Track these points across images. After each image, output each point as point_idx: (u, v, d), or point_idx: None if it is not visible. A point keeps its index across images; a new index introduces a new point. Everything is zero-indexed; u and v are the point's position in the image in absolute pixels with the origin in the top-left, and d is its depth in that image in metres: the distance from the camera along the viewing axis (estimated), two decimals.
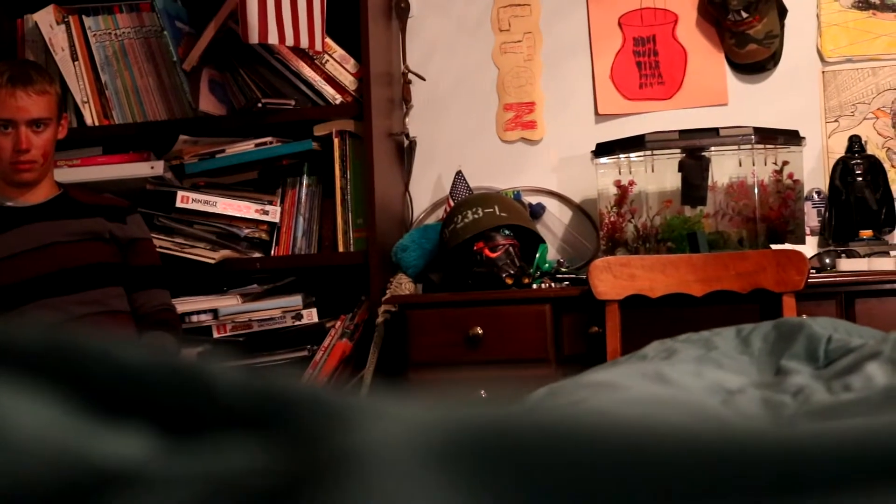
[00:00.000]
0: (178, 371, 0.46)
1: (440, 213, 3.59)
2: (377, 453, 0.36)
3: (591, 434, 0.37)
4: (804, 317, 2.65)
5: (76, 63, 3.54)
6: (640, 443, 0.38)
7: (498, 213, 3.14)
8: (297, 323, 3.35)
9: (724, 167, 3.16)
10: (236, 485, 0.37)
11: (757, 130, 3.10)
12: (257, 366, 3.23)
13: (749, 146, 3.11)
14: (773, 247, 2.98)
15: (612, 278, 2.86)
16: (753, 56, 3.49)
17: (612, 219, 3.24)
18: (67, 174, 3.35)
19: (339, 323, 3.35)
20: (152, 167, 3.42)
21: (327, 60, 3.41)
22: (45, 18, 3.54)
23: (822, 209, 3.31)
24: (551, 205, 3.63)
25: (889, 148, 3.44)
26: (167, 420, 0.44)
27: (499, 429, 0.38)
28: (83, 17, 3.55)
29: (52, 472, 0.39)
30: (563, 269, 3.32)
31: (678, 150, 3.15)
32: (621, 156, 3.22)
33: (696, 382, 1.53)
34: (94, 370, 0.45)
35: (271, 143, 3.40)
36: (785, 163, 3.17)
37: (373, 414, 0.40)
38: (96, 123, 3.54)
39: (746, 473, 0.38)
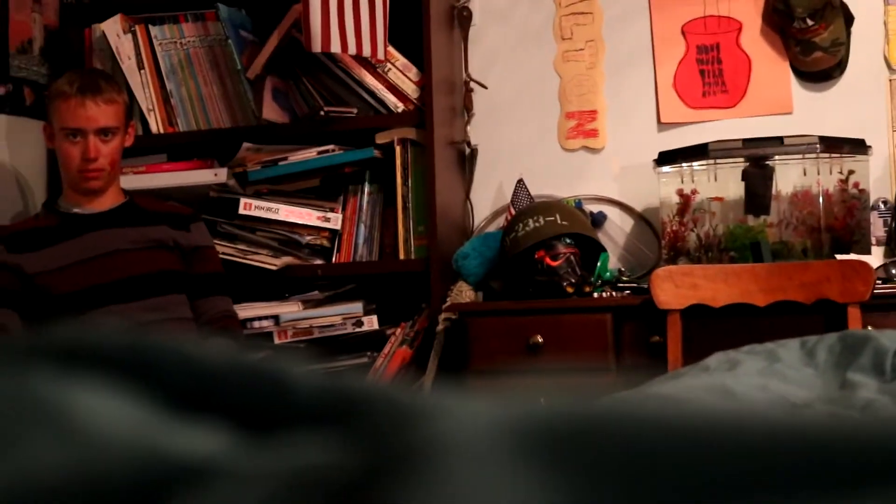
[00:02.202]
0: (253, 369, 0.46)
1: (501, 222, 3.59)
2: (454, 446, 0.36)
3: (665, 425, 0.37)
4: (870, 329, 2.63)
5: (142, 72, 3.59)
6: (716, 434, 0.38)
7: (559, 221, 3.13)
8: (358, 330, 3.36)
9: (789, 176, 3.12)
10: (315, 479, 0.37)
11: (822, 139, 3.07)
12: (322, 370, 3.25)
13: (814, 155, 3.08)
14: (838, 257, 2.94)
15: (674, 287, 2.84)
16: (819, 64, 3.45)
17: (674, 228, 3.22)
18: (133, 181, 3.39)
19: (399, 330, 3.36)
20: (216, 174, 3.45)
21: (389, 69, 3.42)
22: (112, 28, 3.59)
23: (889, 219, 3.26)
24: (613, 213, 3.62)
25: None
26: (242, 417, 0.44)
27: (573, 421, 0.38)
28: (149, 26, 3.60)
29: (132, 467, 0.40)
30: (625, 278, 3.30)
31: (742, 159, 3.12)
32: (684, 164, 3.20)
33: (762, 396, 1.51)
34: (170, 369, 0.46)
35: (333, 150, 3.42)
36: (850, 172, 3.13)
37: (446, 410, 0.40)
38: (161, 131, 3.58)
39: (823, 461, 0.37)
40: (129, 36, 3.60)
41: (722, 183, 3.16)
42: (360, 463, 0.37)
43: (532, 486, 0.34)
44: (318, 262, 3.45)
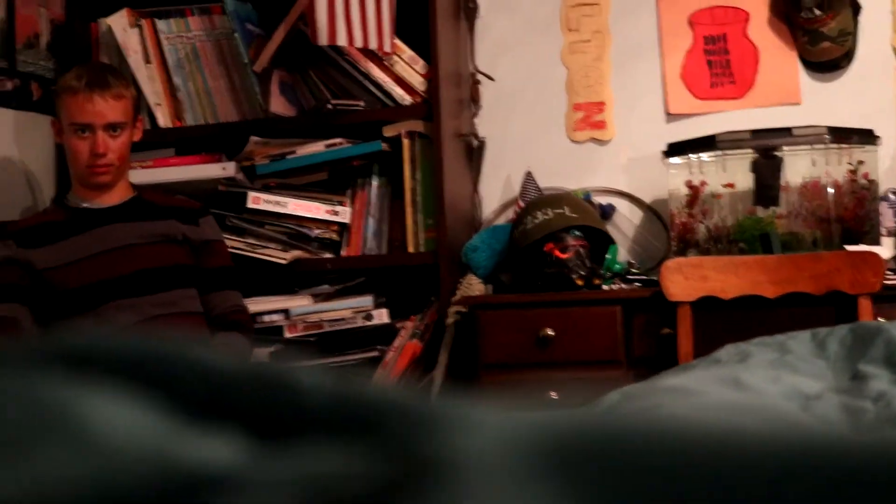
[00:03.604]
0: (266, 377, 0.46)
1: (510, 214, 3.58)
2: (474, 460, 0.35)
3: (681, 442, 0.37)
4: (881, 320, 2.62)
5: (149, 66, 3.58)
6: (731, 452, 0.37)
7: (568, 213, 3.12)
8: (368, 323, 3.36)
9: (798, 167, 3.12)
10: (333, 489, 0.37)
11: (831, 130, 3.06)
12: (331, 367, 3.25)
13: (823, 146, 3.07)
14: (848, 248, 2.93)
15: (684, 279, 2.84)
16: (827, 54, 3.44)
17: (683, 219, 3.22)
18: (141, 175, 3.39)
19: (409, 323, 3.36)
20: (224, 168, 3.45)
21: (396, 61, 3.42)
22: (118, 22, 3.59)
23: None
24: (621, 205, 3.61)
25: None
26: (256, 425, 0.44)
27: (590, 436, 0.37)
28: (155, 20, 3.60)
29: (149, 476, 0.40)
30: (634, 271, 3.30)
31: (750, 150, 3.11)
32: (692, 156, 3.20)
33: (774, 388, 1.51)
34: (185, 376, 0.46)
35: (341, 144, 3.42)
36: (860, 162, 3.12)
37: (464, 422, 0.40)
38: (169, 125, 3.58)
39: (833, 482, 0.37)
40: (136, 30, 3.59)
41: (731, 174, 3.16)
42: (379, 474, 0.37)
43: (549, 502, 0.34)
44: (328, 255, 3.45)
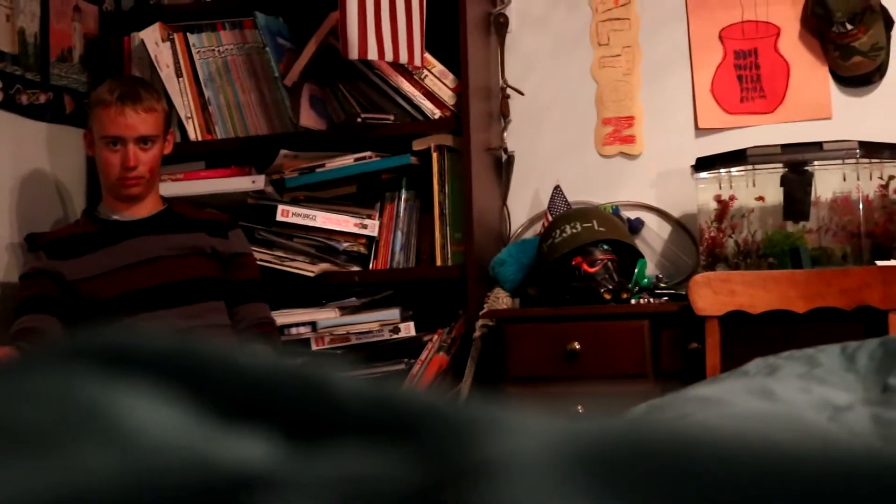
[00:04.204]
0: (300, 377, 0.46)
1: (538, 228, 3.58)
2: (513, 464, 0.36)
3: (723, 451, 0.37)
4: None
5: (180, 79, 3.61)
6: (775, 462, 0.37)
7: (596, 227, 3.12)
8: (395, 336, 3.36)
9: (828, 182, 3.10)
10: (372, 489, 0.37)
11: (862, 144, 3.04)
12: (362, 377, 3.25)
13: (854, 160, 3.05)
14: (879, 263, 2.92)
15: (712, 294, 2.83)
16: (858, 69, 3.43)
17: (712, 234, 3.21)
18: (171, 188, 3.42)
19: (436, 336, 3.36)
20: (254, 181, 3.47)
21: (426, 75, 3.43)
22: (150, 36, 3.62)
23: None
24: (650, 220, 3.60)
25: None
26: (292, 426, 0.44)
27: (631, 443, 0.38)
28: (188, 34, 3.63)
29: (183, 474, 0.40)
30: (662, 285, 3.29)
31: (780, 165, 3.10)
32: (722, 170, 3.19)
33: (803, 398, 1.50)
34: (218, 376, 0.46)
35: (370, 157, 3.43)
36: (891, 177, 3.10)
37: (504, 427, 0.40)
38: (199, 138, 3.61)
39: (867, 492, 0.37)
40: (168, 44, 3.62)
41: (760, 188, 3.15)
42: (419, 477, 0.37)
43: None
44: (356, 268, 3.46)
